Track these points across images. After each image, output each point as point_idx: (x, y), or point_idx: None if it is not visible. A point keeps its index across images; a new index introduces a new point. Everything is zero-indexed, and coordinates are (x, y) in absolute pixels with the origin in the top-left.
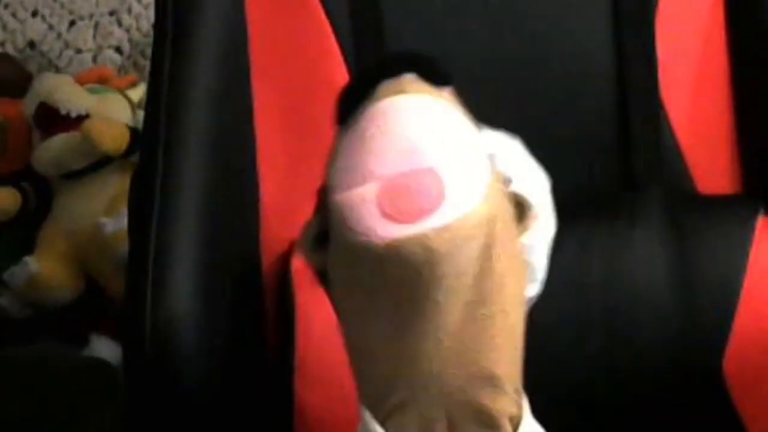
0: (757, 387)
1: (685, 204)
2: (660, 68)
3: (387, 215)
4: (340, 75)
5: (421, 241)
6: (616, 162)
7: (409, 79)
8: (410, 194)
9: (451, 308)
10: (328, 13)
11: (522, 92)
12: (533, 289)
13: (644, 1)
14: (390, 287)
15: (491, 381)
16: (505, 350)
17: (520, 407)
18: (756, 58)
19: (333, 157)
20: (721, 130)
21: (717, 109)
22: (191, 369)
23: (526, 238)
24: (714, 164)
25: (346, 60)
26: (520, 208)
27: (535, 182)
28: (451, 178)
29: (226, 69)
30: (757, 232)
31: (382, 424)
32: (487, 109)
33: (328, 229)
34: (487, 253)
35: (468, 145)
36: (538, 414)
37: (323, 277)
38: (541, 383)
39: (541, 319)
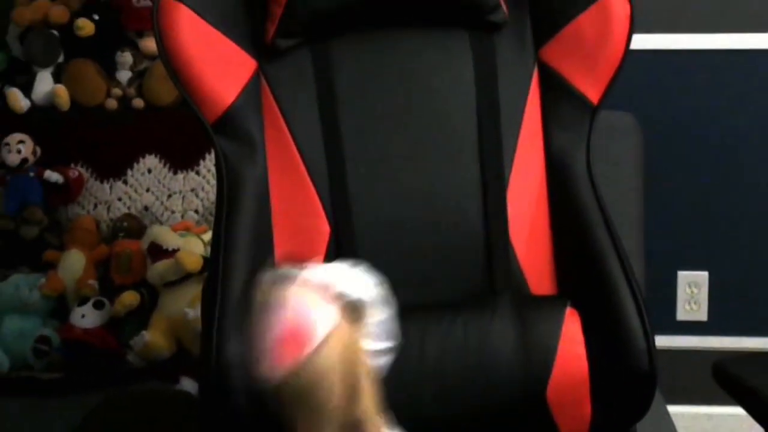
0: (567, 407)
1: (524, 301)
2: (509, 220)
3: (273, 365)
4: (324, 226)
5: (294, 375)
6: (483, 277)
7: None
8: (280, 350)
9: (331, 395)
10: (315, 187)
11: (425, 238)
12: (388, 358)
13: (500, 180)
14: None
15: (367, 411)
16: (369, 392)
17: (382, 421)
18: (565, 213)
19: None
20: (545, 256)
21: (543, 244)
22: (239, 395)
23: (366, 335)
24: (541, 277)
25: (327, 217)
26: (357, 312)
27: (363, 287)
28: (304, 333)
29: (257, 222)
30: (565, 317)
31: None
32: (399, 255)
33: None
34: (345, 357)
35: (309, 311)
36: (443, 424)
37: None
38: (440, 405)
39: (441, 368)
